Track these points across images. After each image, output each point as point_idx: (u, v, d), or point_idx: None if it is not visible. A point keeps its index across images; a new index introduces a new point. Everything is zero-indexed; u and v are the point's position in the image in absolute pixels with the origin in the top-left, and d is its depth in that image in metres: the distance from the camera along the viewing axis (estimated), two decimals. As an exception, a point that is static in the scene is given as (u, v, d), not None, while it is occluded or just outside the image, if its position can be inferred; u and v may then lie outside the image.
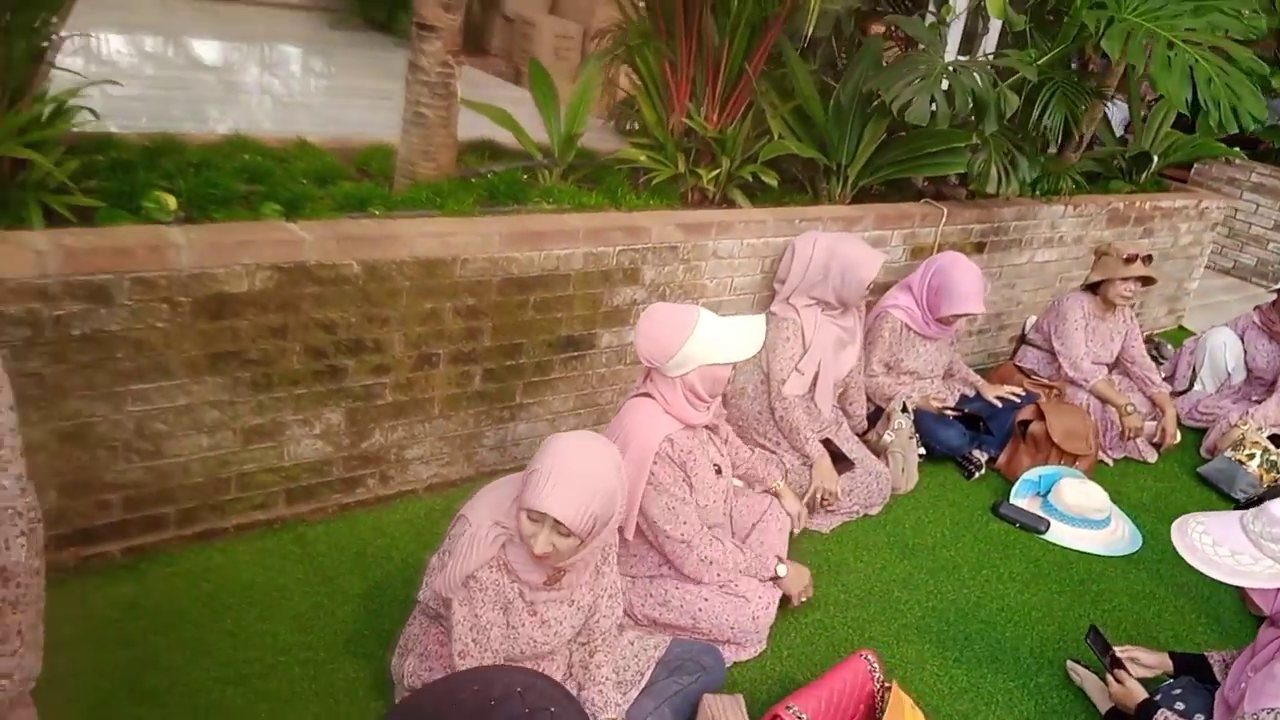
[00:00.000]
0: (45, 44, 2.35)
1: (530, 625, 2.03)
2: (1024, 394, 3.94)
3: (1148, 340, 4.96)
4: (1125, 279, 4.05)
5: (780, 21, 3.55)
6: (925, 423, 3.73)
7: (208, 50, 5.73)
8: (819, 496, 3.18)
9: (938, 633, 2.78)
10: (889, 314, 3.80)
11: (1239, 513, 2.16)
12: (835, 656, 2.55)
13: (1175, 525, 2.21)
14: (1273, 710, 2.00)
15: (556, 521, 1.86)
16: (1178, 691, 2.37)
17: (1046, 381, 4.13)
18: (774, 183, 3.69)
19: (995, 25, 4.82)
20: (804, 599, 2.71)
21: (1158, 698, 2.34)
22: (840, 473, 3.25)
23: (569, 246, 2.97)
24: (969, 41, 4.64)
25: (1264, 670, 2.10)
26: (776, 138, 3.76)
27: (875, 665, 2.29)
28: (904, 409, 3.60)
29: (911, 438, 3.54)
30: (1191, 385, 4.66)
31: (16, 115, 2.18)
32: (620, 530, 2.48)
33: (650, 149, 3.65)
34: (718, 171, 3.59)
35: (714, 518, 2.66)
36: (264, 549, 2.64)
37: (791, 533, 2.96)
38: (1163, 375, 4.75)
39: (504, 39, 8.20)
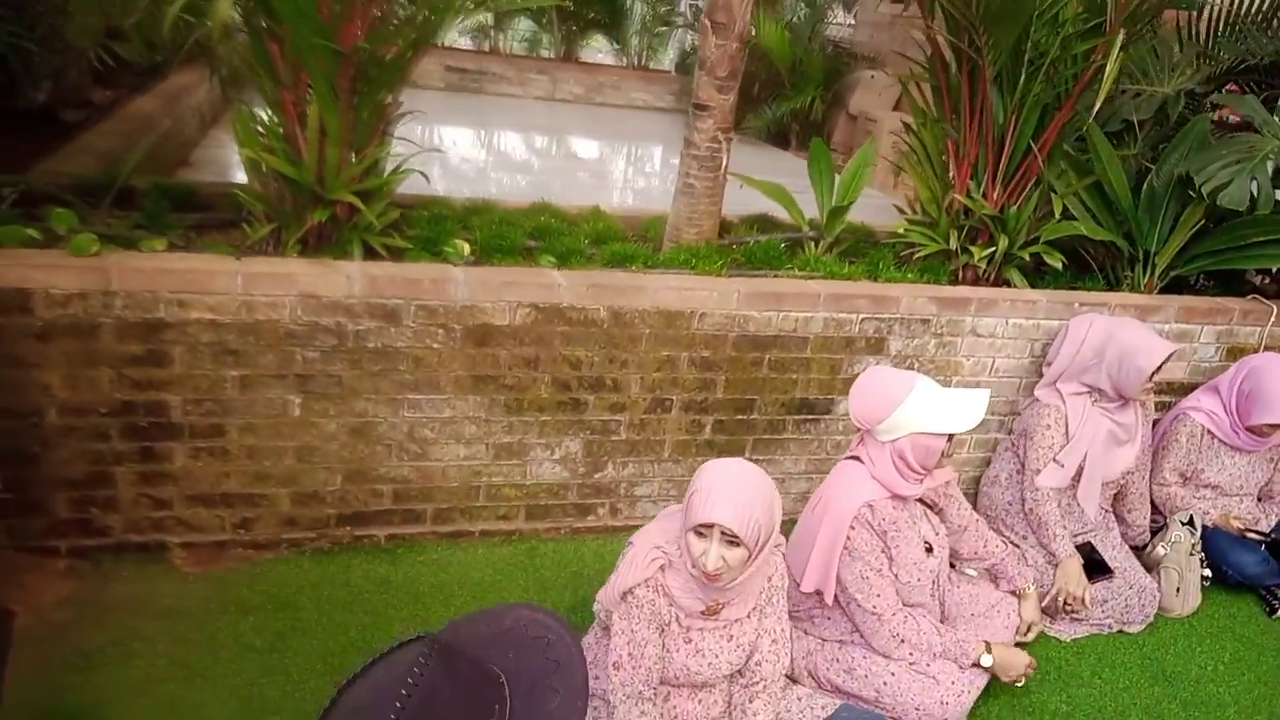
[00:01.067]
0: (388, 118, 2.94)
1: (685, 652, 2.12)
2: None
3: None
4: None
5: (1073, 100, 3.40)
6: (1219, 543, 3.26)
7: (579, 145, 6.58)
8: (1061, 600, 2.92)
9: (1175, 772, 2.42)
10: (1188, 416, 3.41)
11: None
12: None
13: None
14: None
15: (724, 533, 1.95)
16: None
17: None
18: (1058, 264, 3.49)
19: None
20: (1020, 682, 2.51)
21: None
22: (1094, 581, 2.95)
23: (809, 310, 3.06)
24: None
25: None
26: (1059, 219, 3.56)
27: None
28: (1188, 521, 3.18)
29: (1193, 555, 3.12)
30: None
31: (352, 168, 2.75)
32: (819, 593, 2.50)
33: (922, 226, 3.63)
34: (992, 250, 3.48)
35: (917, 596, 2.57)
36: (499, 555, 2.98)
37: (1020, 642, 2.75)
38: None
39: (845, 134, 8.52)
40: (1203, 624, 3.08)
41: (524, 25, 11.02)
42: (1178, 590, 3.10)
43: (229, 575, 2.74)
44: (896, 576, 2.51)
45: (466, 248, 2.97)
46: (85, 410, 2.56)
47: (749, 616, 2.18)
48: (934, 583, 2.61)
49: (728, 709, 2.25)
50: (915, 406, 2.39)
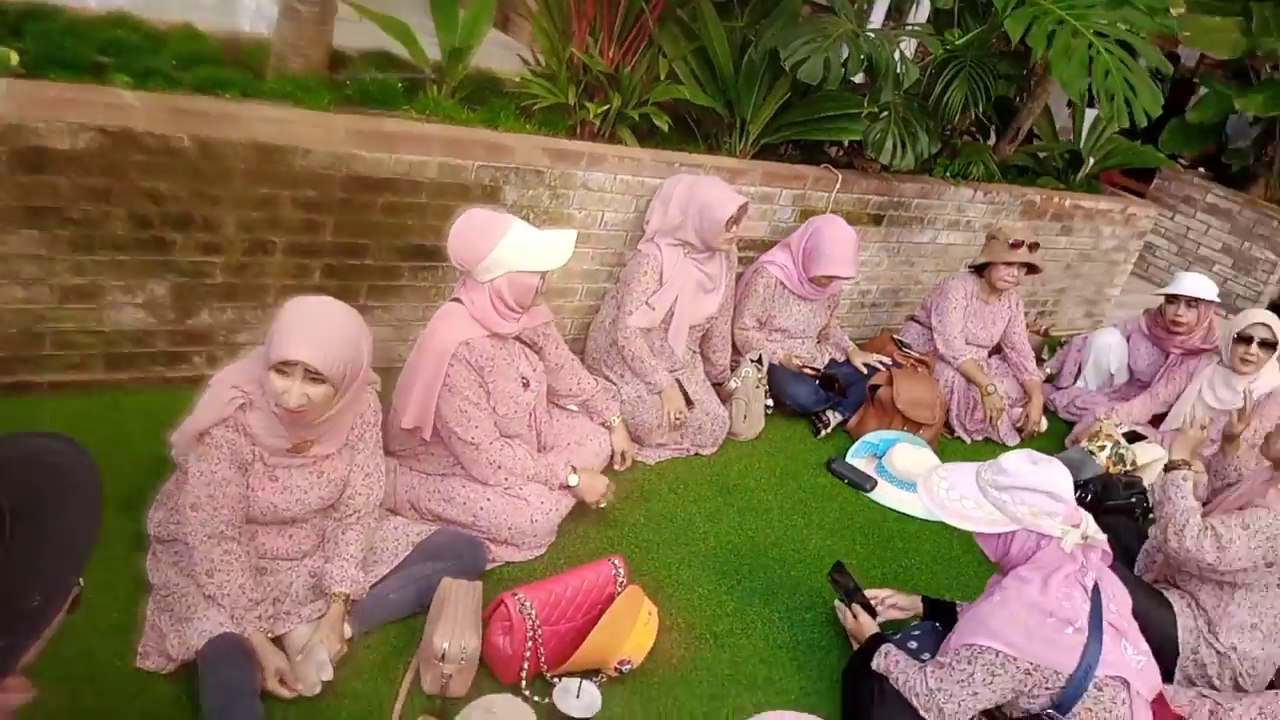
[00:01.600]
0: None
1: (271, 490, 2.11)
2: (889, 363, 4.00)
3: (1041, 333, 5.03)
4: (1009, 264, 4.10)
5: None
6: (780, 377, 3.80)
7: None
8: (671, 416, 3.27)
9: (722, 562, 2.86)
10: (765, 269, 3.86)
11: (977, 465, 2.23)
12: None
13: (923, 473, 2.28)
14: (970, 645, 2.08)
15: (307, 370, 1.93)
16: (916, 632, 2.46)
17: (918, 355, 4.19)
18: (664, 126, 3.73)
19: (926, 2, 4.82)
20: (601, 504, 2.79)
21: (896, 636, 2.43)
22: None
23: (422, 154, 3.02)
24: (898, 16, 4.66)
25: (971, 610, 2.18)
26: (666, 81, 3.78)
27: (620, 570, 2.37)
28: (756, 360, 3.67)
29: (759, 387, 3.61)
30: (1075, 381, 4.73)
31: None
32: (418, 429, 2.57)
33: (543, 78, 3.68)
34: (607, 108, 3.63)
35: (515, 428, 2.74)
36: (73, 408, 2.72)
37: (611, 467, 3.05)
38: (1049, 370, 4.84)
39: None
40: (762, 445, 3.61)
41: None
42: (745, 417, 3.59)
43: None
44: (494, 409, 2.65)
45: (14, 56, 2.56)
46: None
47: (339, 453, 2.20)
48: (531, 415, 2.79)
49: (319, 542, 2.29)
50: (511, 246, 2.49)
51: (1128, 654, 2.08)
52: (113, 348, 2.81)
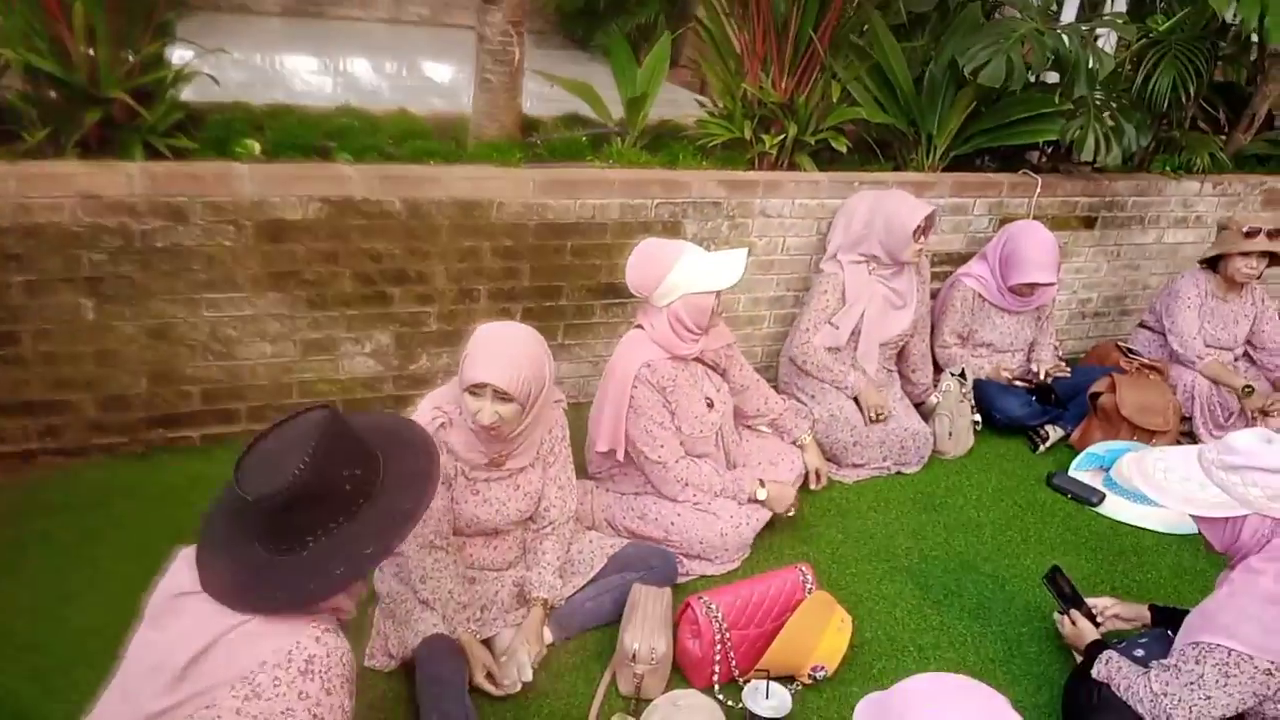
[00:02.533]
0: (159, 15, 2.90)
1: (473, 503, 2.28)
2: (1070, 371, 3.72)
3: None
4: (1246, 254, 3.71)
5: (847, -11, 3.61)
6: (989, 391, 3.63)
7: (416, 64, 6.46)
8: (872, 412, 3.25)
9: (927, 578, 2.74)
10: (961, 282, 3.73)
11: (1201, 446, 2.03)
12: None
13: (1132, 458, 2.11)
14: (1198, 644, 1.88)
15: (496, 390, 2.10)
16: (1144, 640, 2.23)
17: (1148, 361, 3.85)
18: (843, 148, 3.73)
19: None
20: (790, 513, 2.78)
21: (1121, 644, 2.22)
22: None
23: (604, 197, 3.21)
24: (1093, 9, 4.41)
25: (1198, 608, 1.97)
26: (837, 103, 3.79)
27: (808, 576, 2.34)
28: (959, 374, 3.52)
29: (963, 401, 3.46)
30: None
31: (123, 66, 2.73)
32: (613, 452, 2.69)
33: (718, 118, 3.81)
34: (783, 137, 3.69)
35: (702, 447, 2.79)
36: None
37: (807, 486, 3.03)
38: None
39: (693, 49, 8.59)
40: (973, 462, 3.44)
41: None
42: (950, 434, 3.44)
43: (39, 482, 2.75)
44: (680, 429, 2.72)
45: (257, 147, 2.99)
46: None
47: (533, 466, 2.35)
48: (718, 435, 2.84)
49: (521, 554, 2.44)
50: (684, 269, 2.58)
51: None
52: (349, 394, 3.15)
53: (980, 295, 3.71)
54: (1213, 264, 3.86)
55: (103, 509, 2.66)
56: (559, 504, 2.40)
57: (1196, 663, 1.87)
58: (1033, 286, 3.59)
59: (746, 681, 2.17)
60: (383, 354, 3.14)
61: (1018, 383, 3.66)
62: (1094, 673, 2.10)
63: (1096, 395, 3.55)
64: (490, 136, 3.41)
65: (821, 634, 2.19)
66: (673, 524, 2.67)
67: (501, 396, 2.11)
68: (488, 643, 2.26)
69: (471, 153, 3.30)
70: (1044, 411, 3.62)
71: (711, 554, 2.67)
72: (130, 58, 2.80)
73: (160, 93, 2.89)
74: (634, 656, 2.12)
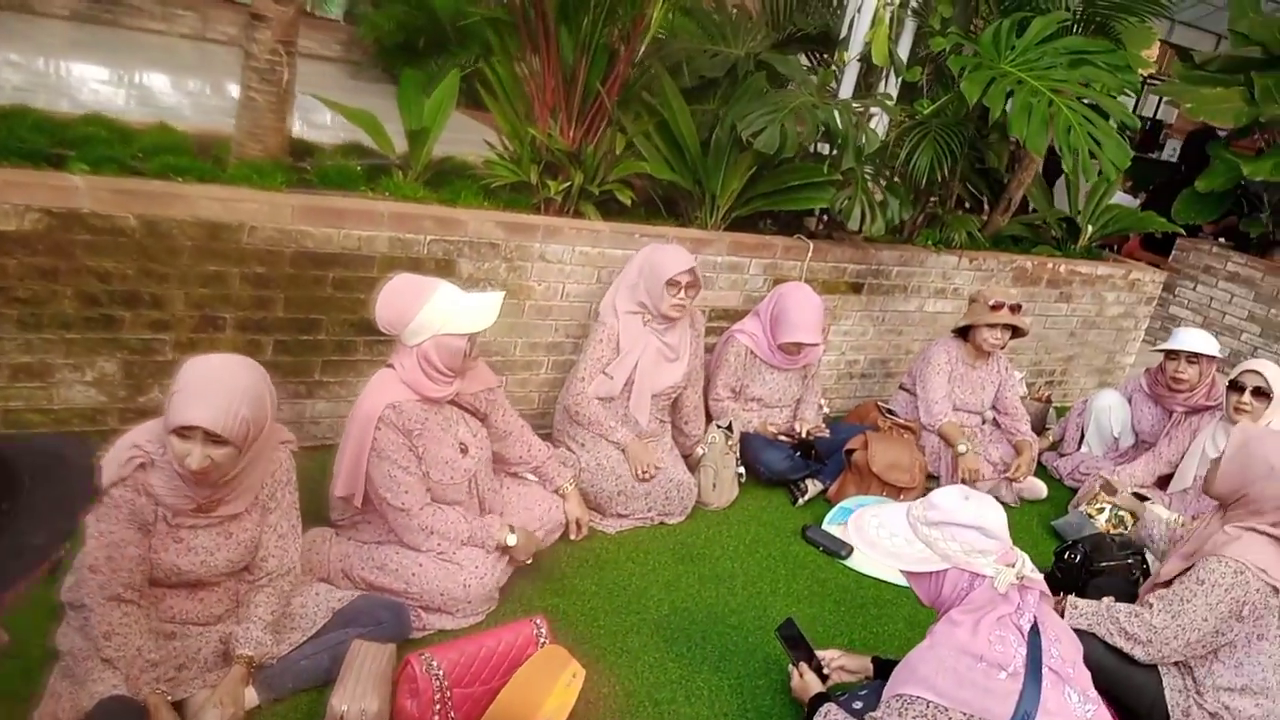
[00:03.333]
0: None
1: (175, 551, 2.07)
2: (827, 430, 3.89)
3: (1043, 400, 4.88)
4: (992, 325, 4.01)
5: (632, 45, 3.68)
6: (755, 445, 3.72)
7: (204, 83, 6.07)
8: (639, 470, 3.23)
9: (674, 630, 2.73)
10: (735, 339, 3.83)
11: (909, 504, 2.12)
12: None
13: (854, 516, 2.18)
14: (900, 695, 1.94)
15: (207, 433, 1.91)
16: (863, 692, 2.29)
17: (902, 422, 4.08)
18: (627, 200, 3.77)
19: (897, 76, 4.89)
20: (528, 562, 2.72)
21: (843, 696, 2.27)
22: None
23: (372, 229, 3.08)
24: (867, 89, 4.71)
25: (903, 660, 2.04)
26: (622, 157, 3.85)
27: (542, 629, 2.27)
28: (725, 426, 3.59)
29: (727, 454, 3.52)
30: (1079, 447, 4.55)
31: None
32: (350, 498, 2.54)
33: (506, 160, 3.77)
34: (568, 185, 3.69)
35: (453, 494, 2.68)
36: (19, 484, 2.73)
37: (567, 536, 2.98)
38: (1052, 438, 4.67)
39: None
40: (735, 514, 3.50)
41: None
42: (714, 485, 3.49)
43: None
44: (428, 474, 2.61)
45: (-37, 150, 2.69)
46: None
47: (249, 513, 2.17)
48: (471, 482, 2.74)
49: (233, 607, 2.24)
50: (436, 309, 2.49)
51: (1071, 701, 1.92)
52: (63, 425, 2.84)
53: (752, 351, 3.81)
54: (963, 333, 4.14)
55: None
56: (277, 554, 2.23)
57: (899, 715, 1.92)
58: (799, 345, 3.72)
59: (465, 744, 2.07)
60: (107, 383, 2.86)
61: (782, 438, 3.77)
62: None
63: (850, 452, 3.70)
64: (252, 157, 3.22)
65: (550, 690, 2.12)
66: (414, 575, 2.54)
67: (214, 439, 1.93)
68: (181, 705, 2.04)
69: (230, 173, 3.10)
70: (805, 465, 3.75)
71: (453, 606, 2.56)
72: None
73: None
74: (341, 718, 1.97)
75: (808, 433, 3.75)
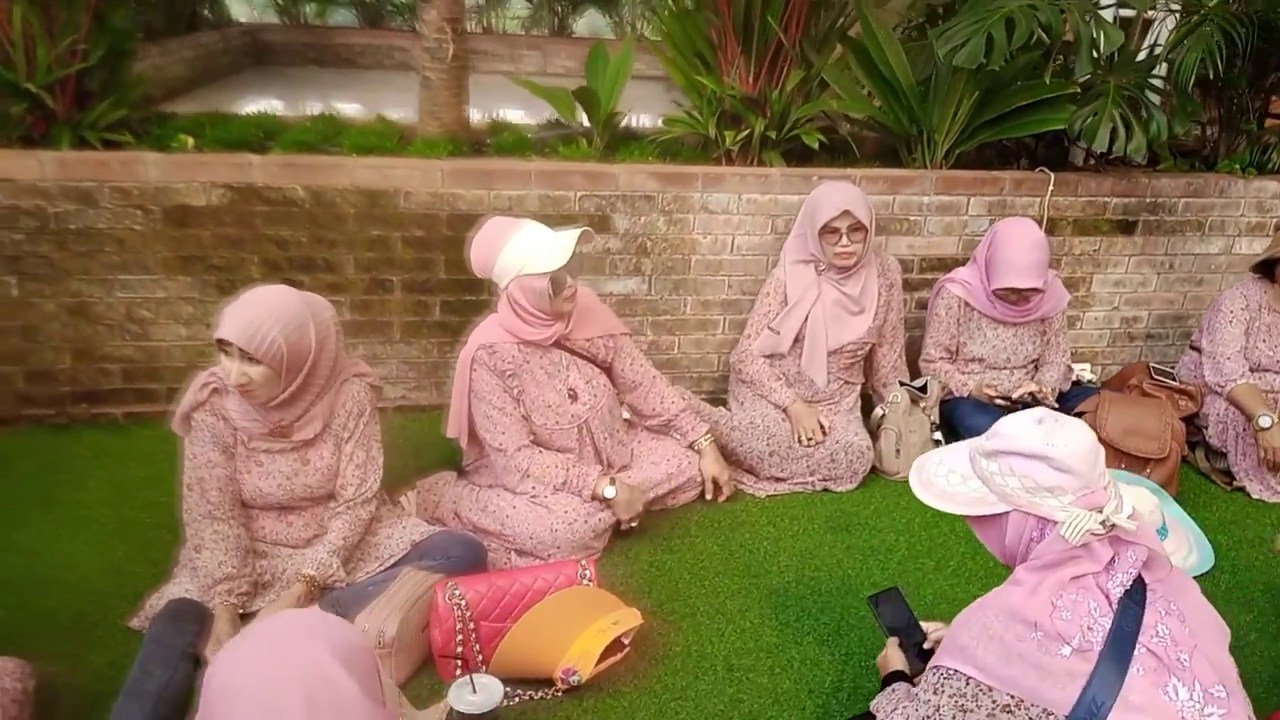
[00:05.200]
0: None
1: (256, 475, 2.23)
2: (1052, 396, 3.17)
3: None
4: (1308, 257, 3.10)
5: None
6: (960, 409, 3.20)
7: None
8: (802, 435, 2.95)
9: (788, 598, 2.40)
10: (945, 289, 3.33)
11: (980, 439, 1.66)
12: (642, 592, 2.37)
13: (919, 459, 1.76)
14: (938, 668, 1.51)
15: (240, 350, 2.05)
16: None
17: (1177, 385, 3.27)
18: (814, 144, 3.45)
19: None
20: (632, 524, 2.56)
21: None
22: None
23: (520, 188, 3.12)
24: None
25: (953, 622, 1.58)
26: (822, 97, 3.52)
27: (588, 572, 2.11)
28: (916, 386, 3.12)
29: (912, 414, 3.05)
30: None
31: (63, 64, 2.96)
32: (459, 439, 2.58)
33: (683, 116, 3.63)
34: (748, 132, 3.47)
35: (561, 441, 2.62)
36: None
37: (704, 496, 2.79)
38: None
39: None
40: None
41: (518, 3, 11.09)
42: (897, 451, 3.04)
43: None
44: (529, 417, 2.57)
45: (190, 142, 3.14)
46: None
47: (323, 440, 2.26)
48: (582, 429, 2.64)
49: (321, 532, 2.34)
50: (515, 250, 2.44)
51: (1177, 698, 1.36)
52: (264, 381, 3.20)
53: (966, 303, 3.29)
54: (1268, 272, 3.23)
55: (10, 475, 2.81)
56: (354, 482, 2.30)
57: (935, 691, 1.50)
58: (1019, 292, 3.13)
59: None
60: (297, 342, 3.18)
61: (999, 401, 3.18)
62: (871, 704, 1.74)
63: (1080, 415, 3.03)
64: (431, 134, 3.42)
65: (578, 632, 1.95)
66: (508, 516, 2.50)
67: (248, 357, 2.05)
68: (251, 618, 2.17)
69: (413, 148, 3.30)
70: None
71: (543, 550, 2.47)
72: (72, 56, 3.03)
73: (105, 92, 3.11)
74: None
75: (1023, 396, 3.13)
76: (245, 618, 2.14)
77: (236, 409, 2.18)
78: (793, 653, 2.20)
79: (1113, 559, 1.47)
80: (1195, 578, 2.54)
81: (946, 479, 1.62)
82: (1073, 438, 1.49)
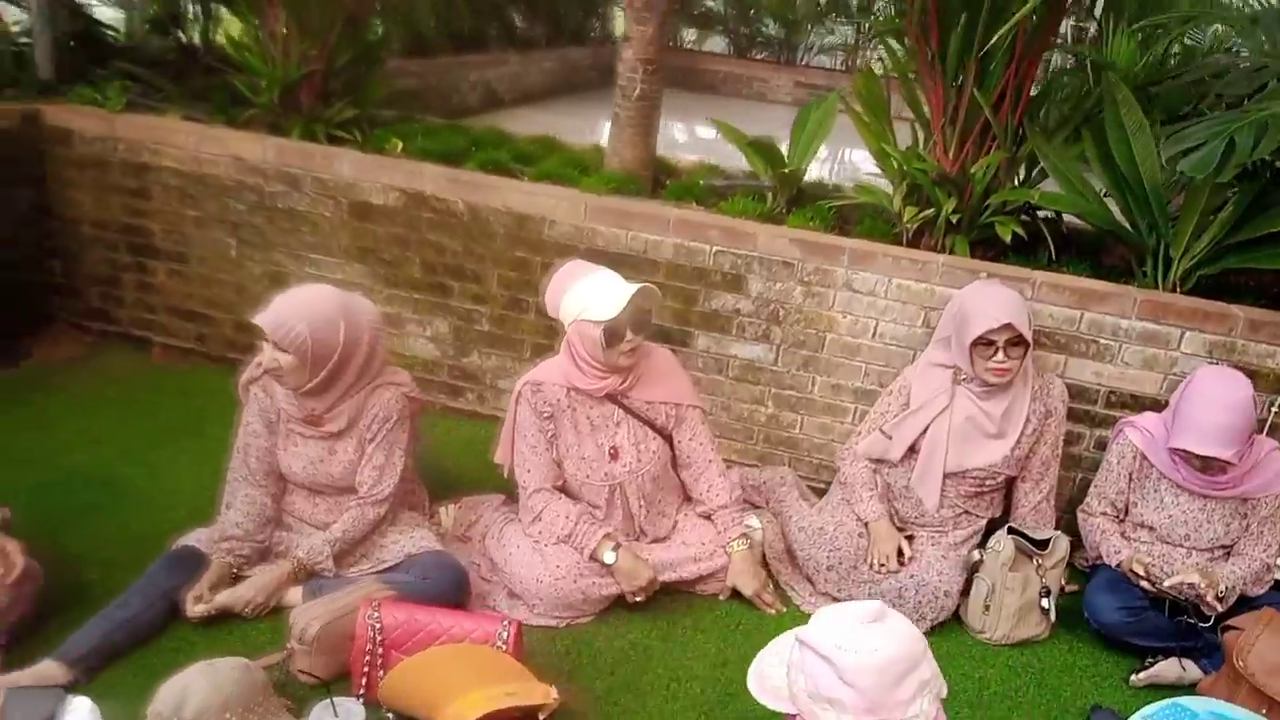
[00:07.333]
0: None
1: (290, 454, 2.45)
2: (1220, 603, 2.45)
3: None
4: None
5: (1046, 35, 2.97)
6: (1094, 579, 2.66)
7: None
8: (874, 559, 2.68)
9: (743, 730, 2.16)
10: (1123, 433, 2.78)
11: None
12: (601, 673, 2.27)
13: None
14: None
15: (272, 337, 2.27)
16: None
17: None
18: (1007, 236, 3.04)
19: None
20: (637, 598, 2.46)
21: None
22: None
23: (657, 234, 3.09)
24: None
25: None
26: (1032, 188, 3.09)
27: (507, 634, 2.05)
28: (1041, 542, 2.64)
29: (1015, 572, 2.58)
30: None
31: (310, 64, 3.44)
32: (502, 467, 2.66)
33: (872, 190, 3.36)
34: (931, 212, 3.14)
35: (590, 496, 2.58)
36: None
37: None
38: None
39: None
40: (1009, 655, 2.55)
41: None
42: (986, 607, 2.59)
43: (183, 373, 3.57)
44: (560, 464, 2.55)
45: (400, 145, 3.51)
46: (104, 225, 3.55)
47: (348, 435, 2.42)
48: (617, 490, 2.57)
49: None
50: (577, 293, 2.43)
51: None
52: (410, 369, 3.46)
53: (1144, 455, 2.71)
54: None
55: (202, 402, 3.33)
56: (369, 482, 2.43)
57: None
58: (1202, 458, 2.52)
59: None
60: (440, 341, 3.42)
61: (1144, 583, 2.58)
62: None
63: (1228, 630, 2.36)
64: (614, 169, 3.49)
65: (461, 691, 1.91)
66: (510, 555, 2.51)
67: (277, 344, 2.25)
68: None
69: (588, 182, 3.39)
70: (1165, 631, 2.52)
71: (529, 599, 2.45)
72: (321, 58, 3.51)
73: (345, 93, 3.57)
74: (290, 630, 2.10)
75: (1178, 586, 2.50)
76: (237, 579, 2.36)
77: (281, 390, 2.41)
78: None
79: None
80: None
81: (770, 661, 1.37)
82: (875, 645, 1.21)
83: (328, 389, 2.35)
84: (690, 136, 6.83)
